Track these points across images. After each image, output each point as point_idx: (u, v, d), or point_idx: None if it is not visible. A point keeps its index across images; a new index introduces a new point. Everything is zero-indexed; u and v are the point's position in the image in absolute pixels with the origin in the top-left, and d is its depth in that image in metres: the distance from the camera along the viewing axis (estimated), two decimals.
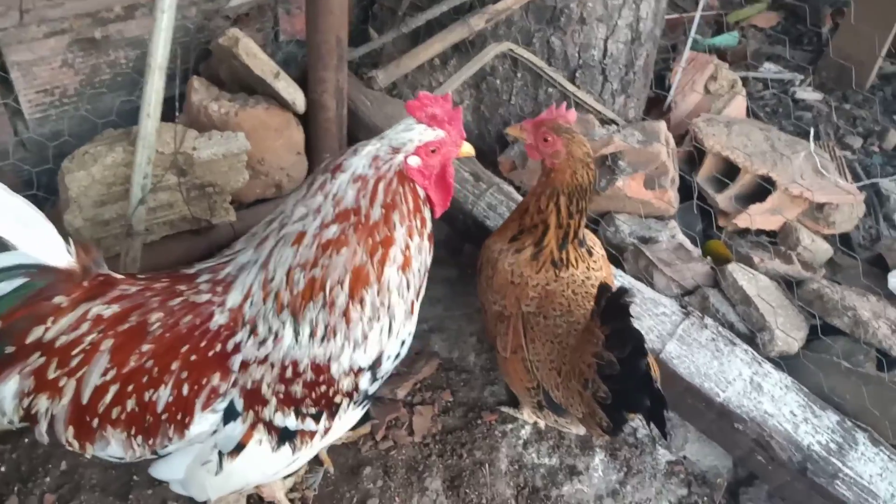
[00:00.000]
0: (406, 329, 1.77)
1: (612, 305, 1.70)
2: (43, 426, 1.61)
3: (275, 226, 1.68)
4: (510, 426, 2.56)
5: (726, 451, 2.52)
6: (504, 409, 2.59)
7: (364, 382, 1.74)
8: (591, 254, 2.17)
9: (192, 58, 3.16)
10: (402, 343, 1.79)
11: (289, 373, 1.65)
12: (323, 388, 1.68)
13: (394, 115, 3.14)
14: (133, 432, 1.61)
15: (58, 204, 2.68)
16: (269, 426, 1.68)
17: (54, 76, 2.90)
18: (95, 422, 1.59)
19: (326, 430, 1.78)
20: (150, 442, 1.63)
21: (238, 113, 2.82)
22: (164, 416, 1.60)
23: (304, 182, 1.80)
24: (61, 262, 1.58)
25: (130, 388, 1.58)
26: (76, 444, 1.63)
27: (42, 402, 1.59)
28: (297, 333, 1.63)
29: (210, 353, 1.62)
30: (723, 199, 3.17)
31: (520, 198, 2.91)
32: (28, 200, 1.54)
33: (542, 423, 2.56)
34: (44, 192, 2.92)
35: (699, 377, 2.41)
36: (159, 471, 1.75)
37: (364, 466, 2.39)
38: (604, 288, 1.77)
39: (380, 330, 1.68)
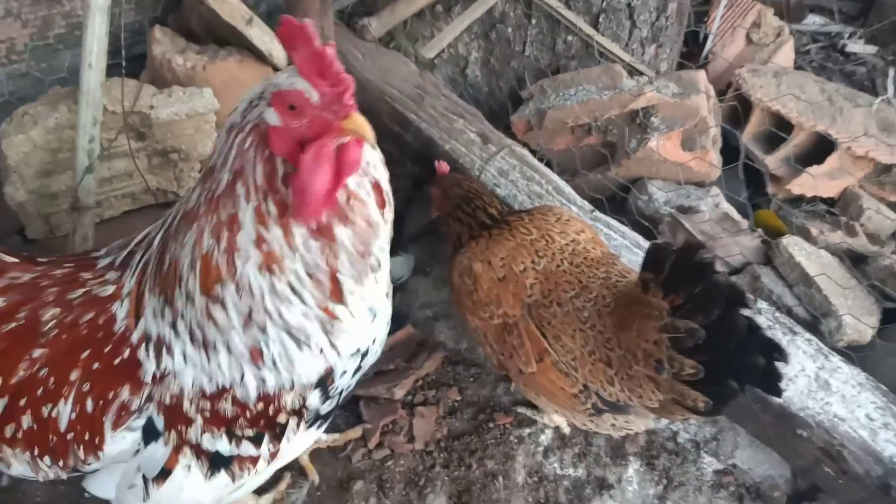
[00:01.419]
0: (343, 347, 1.37)
1: (682, 266, 1.52)
2: None
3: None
4: (528, 430, 2.25)
5: (785, 459, 2.22)
6: (521, 409, 2.28)
7: (314, 400, 1.41)
8: (539, 216, 2.02)
9: (160, 8, 2.80)
10: (358, 353, 1.44)
11: (210, 388, 1.33)
12: (260, 405, 1.36)
13: (389, 70, 2.78)
14: (37, 453, 1.40)
15: None
16: (198, 450, 1.39)
17: None
18: None
19: (273, 455, 1.47)
20: (61, 464, 1.41)
21: (206, 67, 2.46)
22: (69, 436, 1.37)
23: None
24: None
25: (23, 402, 1.35)
26: None
27: None
28: (175, 331, 1.31)
29: (116, 361, 1.35)
30: (773, 161, 2.83)
31: (536, 162, 2.59)
32: None
33: (566, 428, 2.22)
34: None
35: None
36: (92, 487, 1.54)
37: (355, 480, 2.11)
38: (656, 250, 1.59)
39: (277, 344, 1.30)
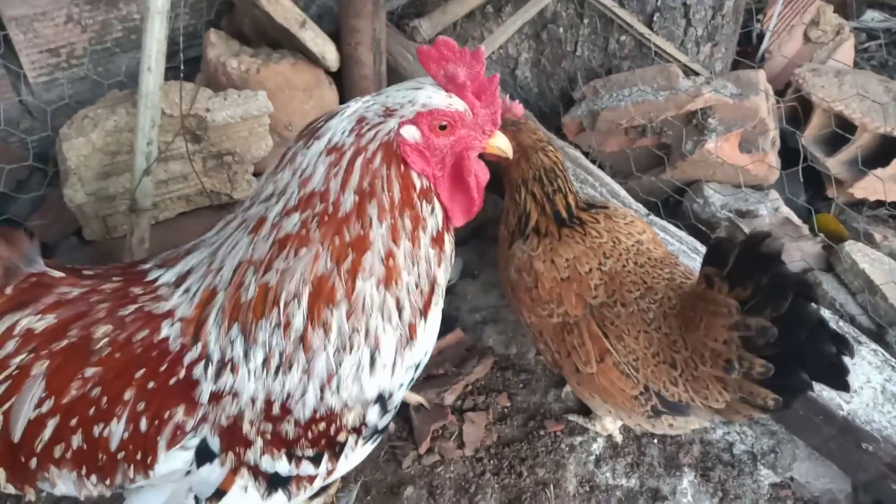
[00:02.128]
0: (407, 361, 1.35)
1: (746, 258, 1.48)
2: None
3: (247, 203, 1.33)
4: (580, 438, 2.20)
5: (847, 473, 2.14)
6: (573, 417, 2.24)
7: (373, 416, 1.38)
8: (610, 218, 1.95)
9: (213, 11, 2.82)
10: (415, 366, 1.41)
11: (275, 409, 1.30)
12: (322, 425, 1.33)
13: None
14: (84, 472, 1.34)
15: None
16: (256, 471, 1.35)
17: (59, 34, 2.61)
18: (34, 462, 1.31)
19: (330, 473, 1.44)
20: (108, 482, 1.36)
21: (260, 69, 2.47)
22: (120, 456, 1.32)
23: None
24: None
25: (74, 421, 1.30)
26: (12, 489, 1.36)
27: None
28: (246, 359, 1.28)
29: (172, 381, 1.30)
30: (835, 164, 2.73)
31: (589, 164, 2.54)
32: None
33: (618, 436, 2.16)
34: (54, 166, 2.62)
35: (816, 384, 1.97)
36: (133, 503, 1.48)
37: (405, 486, 2.08)
38: (719, 243, 1.55)
39: (355, 365, 1.29)
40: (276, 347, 1.26)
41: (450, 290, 2.57)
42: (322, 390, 1.28)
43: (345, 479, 2.07)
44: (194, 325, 1.31)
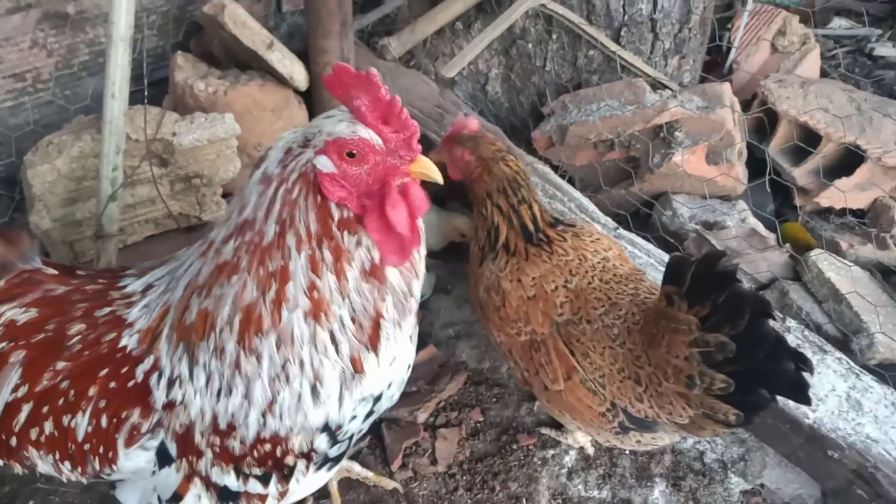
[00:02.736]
0: (356, 394, 1.34)
1: (703, 276, 1.50)
2: None
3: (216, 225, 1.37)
4: (552, 452, 2.21)
5: (815, 480, 2.16)
6: (545, 430, 2.25)
7: (321, 444, 1.39)
8: (578, 236, 1.96)
9: (181, 33, 2.82)
10: (370, 398, 1.40)
11: (222, 424, 1.32)
12: (268, 447, 1.34)
13: (410, 89, 2.77)
14: (58, 457, 1.43)
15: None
16: (207, 482, 1.39)
17: (24, 58, 2.61)
18: (13, 440, 1.42)
19: (282, 494, 1.46)
20: (80, 470, 1.44)
21: (228, 91, 2.48)
22: (86, 447, 1.41)
23: None
24: None
25: (45, 409, 1.40)
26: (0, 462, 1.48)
27: None
28: (191, 378, 1.31)
29: (130, 384, 1.37)
30: (801, 174, 2.77)
31: (558, 179, 2.55)
32: None
33: (590, 448, 2.17)
34: (20, 192, 2.61)
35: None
36: (121, 495, 1.57)
37: (379, 503, 2.07)
38: (677, 262, 1.57)
39: (295, 395, 1.29)
40: (216, 371, 1.29)
41: (423, 306, 2.58)
42: (264, 416, 1.30)
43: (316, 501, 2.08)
44: (150, 338, 1.37)
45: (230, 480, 1.38)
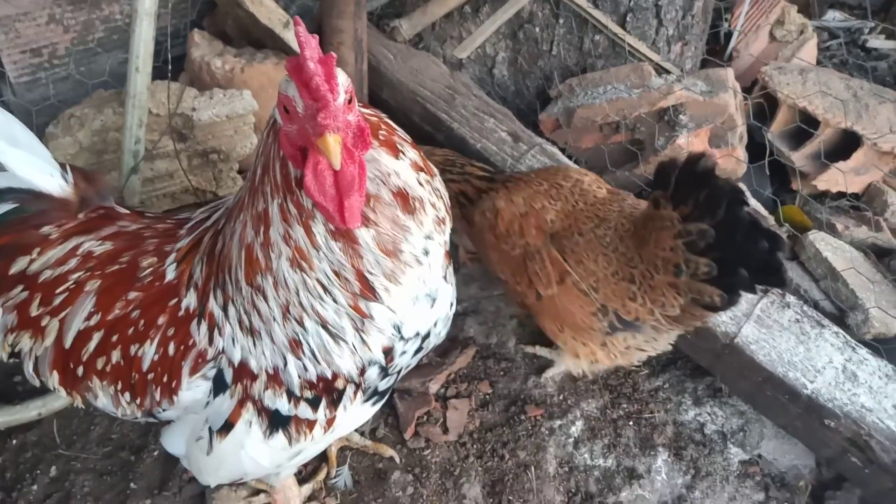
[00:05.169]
0: (373, 336, 1.36)
1: (686, 178, 1.66)
2: (28, 366, 1.53)
3: None
4: (559, 422, 2.28)
5: (811, 450, 2.24)
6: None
7: (372, 374, 1.44)
8: (551, 172, 2.17)
9: (195, 11, 2.86)
10: (418, 336, 1.45)
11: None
12: (321, 366, 1.39)
13: (419, 70, 2.83)
14: (120, 388, 1.48)
15: None
16: (259, 406, 1.44)
17: (41, 34, 2.62)
18: (80, 370, 1.47)
19: (329, 422, 1.50)
20: (139, 402, 1.49)
21: (244, 69, 2.51)
22: (150, 376, 1.45)
23: None
24: (56, 189, 1.48)
25: (115, 338, 1.44)
26: (63, 392, 1.53)
27: (25, 341, 1.50)
28: (226, 315, 1.38)
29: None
30: (800, 158, 2.82)
31: (566, 159, 2.60)
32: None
33: (576, 369, 2.26)
34: None
35: (782, 365, 2.11)
36: (166, 441, 1.64)
37: (392, 471, 2.15)
38: (663, 169, 1.74)
39: (315, 338, 1.33)
40: (241, 307, 1.35)
41: None
42: (291, 358, 1.37)
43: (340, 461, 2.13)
44: (187, 275, 1.44)
45: (282, 404, 1.42)
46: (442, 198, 1.41)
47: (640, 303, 1.86)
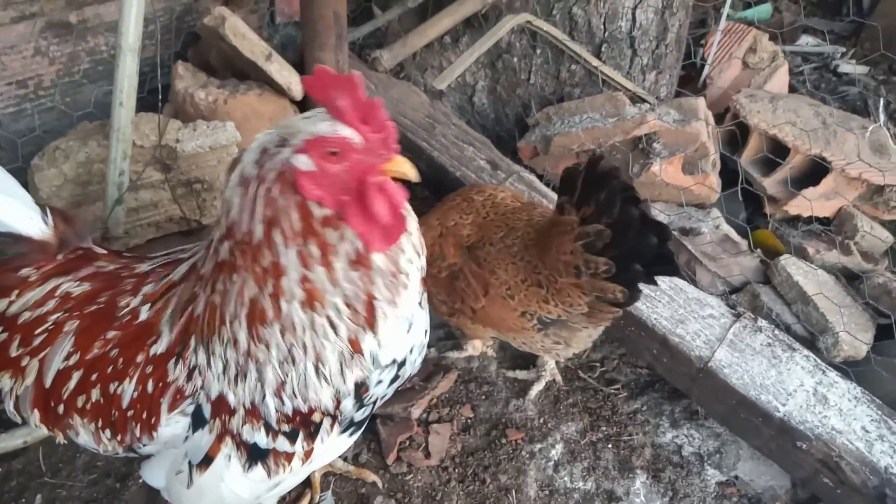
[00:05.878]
0: (354, 371, 1.40)
1: (590, 181, 1.72)
2: (9, 405, 1.54)
3: None
4: (539, 445, 2.30)
5: (786, 471, 2.27)
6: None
7: (348, 406, 1.46)
8: (466, 190, 2.24)
9: (180, 43, 2.90)
10: (394, 364, 1.48)
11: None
12: (297, 401, 1.42)
13: (401, 99, 2.87)
14: (100, 425, 1.50)
15: None
16: (238, 440, 1.45)
17: (27, 66, 2.65)
18: (61, 408, 1.49)
19: (308, 454, 1.51)
20: (119, 438, 1.50)
21: (227, 100, 2.55)
22: (129, 413, 1.46)
23: None
24: (35, 232, 1.50)
25: (94, 376, 1.46)
26: (45, 429, 1.54)
27: (6, 381, 1.52)
28: (209, 365, 1.40)
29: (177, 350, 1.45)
30: (771, 184, 2.88)
31: (544, 187, 2.65)
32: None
33: (477, 351, 2.48)
34: None
35: (755, 388, 2.15)
36: (147, 474, 1.64)
37: (375, 496, 2.16)
38: (567, 174, 1.80)
39: (301, 376, 1.37)
40: (230, 359, 1.37)
41: None
42: (271, 395, 1.39)
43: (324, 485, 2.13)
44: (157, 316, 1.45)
45: (260, 438, 1.43)
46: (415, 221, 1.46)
47: (553, 304, 1.94)
